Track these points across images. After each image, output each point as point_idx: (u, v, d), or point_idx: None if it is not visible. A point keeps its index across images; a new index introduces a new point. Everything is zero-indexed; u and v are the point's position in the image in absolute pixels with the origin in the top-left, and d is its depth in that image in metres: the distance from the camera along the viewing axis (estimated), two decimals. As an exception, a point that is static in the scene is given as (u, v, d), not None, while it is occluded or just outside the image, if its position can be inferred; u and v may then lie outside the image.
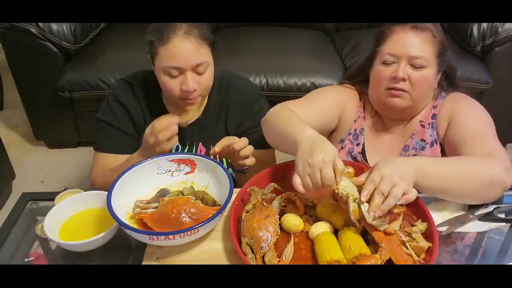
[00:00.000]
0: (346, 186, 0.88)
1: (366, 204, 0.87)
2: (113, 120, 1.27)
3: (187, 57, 1.11)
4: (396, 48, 1.12)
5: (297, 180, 0.90)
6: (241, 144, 1.09)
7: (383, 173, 0.87)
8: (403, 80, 1.11)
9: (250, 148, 1.12)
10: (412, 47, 1.10)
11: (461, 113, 1.14)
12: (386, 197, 0.86)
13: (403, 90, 1.12)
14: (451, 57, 1.19)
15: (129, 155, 1.21)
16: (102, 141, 1.29)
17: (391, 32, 1.13)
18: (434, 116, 1.18)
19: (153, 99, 1.29)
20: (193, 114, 1.28)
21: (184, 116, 1.22)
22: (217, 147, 1.09)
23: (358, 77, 1.29)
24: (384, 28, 1.16)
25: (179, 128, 1.26)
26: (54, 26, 2.09)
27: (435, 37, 1.12)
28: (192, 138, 1.31)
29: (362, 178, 0.91)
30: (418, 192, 0.92)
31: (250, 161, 1.13)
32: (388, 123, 1.24)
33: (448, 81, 1.22)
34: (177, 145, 1.30)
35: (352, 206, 0.86)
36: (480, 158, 0.98)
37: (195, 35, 1.12)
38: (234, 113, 1.31)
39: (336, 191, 0.87)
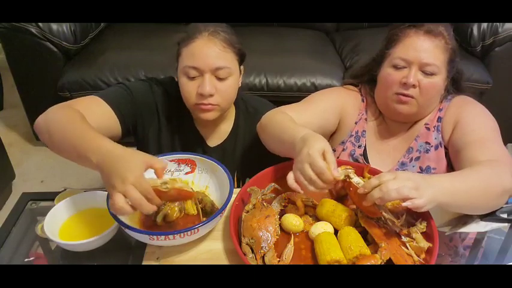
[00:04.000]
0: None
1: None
2: (134, 95, 1.16)
3: (207, 58, 1.06)
4: (408, 53, 1.09)
5: (289, 179, 0.90)
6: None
7: (397, 175, 0.84)
8: (413, 86, 1.09)
9: None
10: (424, 53, 1.08)
11: (467, 116, 1.12)
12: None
13: (411, 97, 1.11)
14: (459, 63, 1.17)
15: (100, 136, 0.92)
16: (108, 93, 1.13)
17: (404, 36, 1.11)
18: (439, 119, 1.17)
19: (183, 115, 1.23)
20: (219, 134, 1.25)
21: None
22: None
23: (364, 77, 1.27)
24: (396, 30, 1.14)
25: (205, 146, 1.24)
26: (54, 26, 2.09)
27: (447, 44, 1.10)
28: (220, 159, 1.23)
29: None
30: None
31: None
32: (392, 125, 1.22)
33: (455, 86, 1.21)
34: None
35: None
36: (491, 168, 0.95)
37: (220, 38, 1.08)
38: (255, 145, 1.22)
39: (360, 190, 0.87)
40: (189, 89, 1.10)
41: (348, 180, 0.91)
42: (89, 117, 0.99)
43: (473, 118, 1.12)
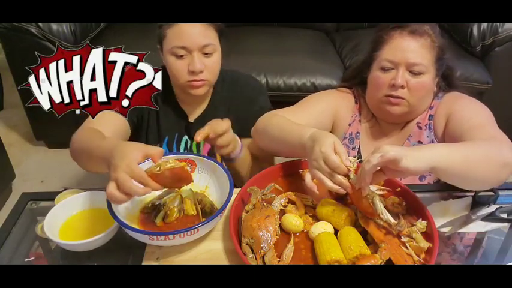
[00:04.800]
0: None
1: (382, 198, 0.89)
2: None
3: (194, 37, 1.13)
4: (394, 54, 1.10)
5: (307, 178, 0.94)
6: (222, 127, 1.06)
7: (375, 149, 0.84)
8: (402, 87, 1.10)
9: (228, 137, 1.09)
10: (410, 53, 1.09)
11: (460, 108, 1.13)
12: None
13: (401, 98, 1.11)
14: (448, 59, 1.18)
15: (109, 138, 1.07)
16: None
17: (389, 37, 1.12)
18: (431, 117, 1.18)
19: (167, 96, 1.28)
20: (200, 108, 1.30)
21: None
22: (199, 136, 1.05)
23: (355, 80, 1.28)
24: (381, 33, 1.15)
25: (187, 122, 1.30)
26: (54, 26, 2.08)
27: (434, 42, 1.11)
28: None
29: None
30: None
31: (227, 150, 1.11)
32: (384, 126, 1.23)
33: (446, 82, 1.22)
34: (187, 139, 1.31)
35: (379, 204, 0.88)
36: (490, 141, 0.96)
37: None
38: (237, 108, 1.30)
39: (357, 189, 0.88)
40: (178, 68, 1.16)
41: (348, 180, 0.91)
42: (102, 129, 1.09)
43: (467, 108, 1.13)
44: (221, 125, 1.07)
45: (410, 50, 1.09)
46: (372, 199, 0.88)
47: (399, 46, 1.10)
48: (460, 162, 0.88)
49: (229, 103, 1.31)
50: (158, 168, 0.86)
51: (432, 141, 1.17)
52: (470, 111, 1.11)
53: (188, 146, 1.31)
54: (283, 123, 1.10)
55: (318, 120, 1.21)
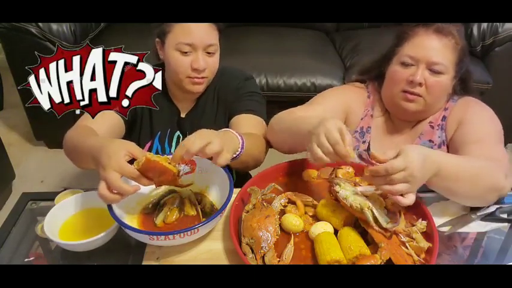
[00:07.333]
0: (355, 198, 0.90)
1: (379, 209, 0.88)
2: None
3: (201, 36, 1.16)
4: (417, 51, 1.10)
5: (308, 154, 0.92)
6: (198, 144, 0.87)
7: (410, 161, 0.83)
8: (420, 84, 1.09)
9: (215, 145, 0.89)
10: (433, 52, 1.08)
11: (470, 117, 1.13)
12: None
13: (418, 95, 1.11)
14: (468, 63, 1.17)
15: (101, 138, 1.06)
16: None
17: (413, 34, 1.12)
18: (444, 118, 1.18)
19: (160, 92, 1.28)
20: (191, 103, 1.31)
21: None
22: (174, 160, 0.91)
23: (372, 73, 1.27)
24: (406, 28, 1.14)
25: (179, 117, 1.31)
26: (54, 26, 2.09)
27: (457, 44, 1.10)
28: (191, 126, 1.31)
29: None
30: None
31: (223, 159, 0.91)
32: (397, 122, 1.23)
33: (462, 86, 1.21)
34: (179, 135, 1.31)
35: (371, 216, 0.87)
36: (486, 161, 0.96)
37: None
38: (226, 95, 1.30)
39: (346, 203, 0.89)
40: (182, 63, 1.18)
41: (333, 190, 0.91)
42: (97, 126, 1.10)
43: (477, 118, 1.13)
44: (192, 140, 0.89)
45: (433, 49, 1.09)
46: (361, 210, 0.87)
47: (422, 43, 1.10)
48: (449, 180, 0.90)
49: (218, 94, 1.31)
50: (138, 164, 0.86)
51: (443, 142, 1.16)
52: (478, 123, 1.11)
53: (180, 141, 1.31)
54: (296, 116, 1.12)
55: (330, 115, 1.21)
